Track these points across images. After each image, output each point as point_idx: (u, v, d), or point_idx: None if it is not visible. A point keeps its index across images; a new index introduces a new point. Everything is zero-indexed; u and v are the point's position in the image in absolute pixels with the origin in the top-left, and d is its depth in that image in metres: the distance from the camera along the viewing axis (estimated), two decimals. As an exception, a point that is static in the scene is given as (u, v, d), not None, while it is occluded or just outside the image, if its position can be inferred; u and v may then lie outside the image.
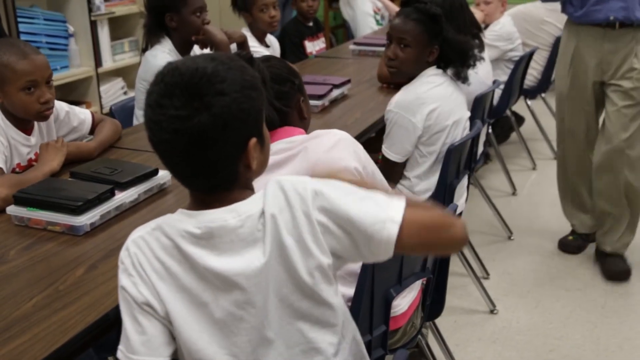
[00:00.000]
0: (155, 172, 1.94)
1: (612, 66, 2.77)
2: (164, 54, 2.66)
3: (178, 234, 1.16)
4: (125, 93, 4.82)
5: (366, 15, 4.95)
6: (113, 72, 4.74)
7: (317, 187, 1.18)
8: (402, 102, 2.36)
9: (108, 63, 4.61)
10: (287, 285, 1.17)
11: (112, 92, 4.70)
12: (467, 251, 2.95)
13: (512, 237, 3.42)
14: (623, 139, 2.81)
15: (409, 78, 2.44)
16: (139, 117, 2.76)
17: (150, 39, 2.75)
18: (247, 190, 1.21)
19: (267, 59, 1.79)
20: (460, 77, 2.43)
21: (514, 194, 3.97)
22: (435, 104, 2.35)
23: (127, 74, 4.83)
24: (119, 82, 4.78)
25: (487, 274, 3.06)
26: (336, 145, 1.74)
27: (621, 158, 2.84)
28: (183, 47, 2.73)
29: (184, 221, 1.17)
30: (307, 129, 1.84)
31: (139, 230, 1.21)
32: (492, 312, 2.79)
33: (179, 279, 1.16)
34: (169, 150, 1.14)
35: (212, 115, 1.09)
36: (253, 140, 1.16)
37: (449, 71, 2.42)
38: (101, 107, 4.41)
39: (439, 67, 2.42)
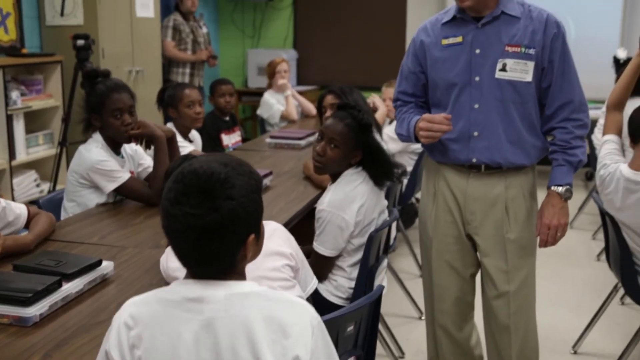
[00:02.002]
0: (99, 263, 2.00)
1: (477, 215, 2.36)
2: (97, 149, 2.74)
3: None
4: (38, 185, 4.78)
5: (278, 112, 5.19)
6: (27, 165, 4.71)
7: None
8: (334, 201, 2.52)
9: (22, 155, 4.60)
10: None
11: (25, 185, 4.66)
12: (383, 331, 3.09)
13: (422, 317, 3.60)
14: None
15: (332, 175, 2.64)
16: (67, 209, 2.79)
17: (85, 134, 2.83)
18: (241, 277, 1.36)
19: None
20: (379, 184, 2.63)
21: (421, 275, 4.17)
22: (362, 199, 2.54)
23: (41, 166, 4.82)
24: (32, 175, 4.76)
25: (402, 353, 3.19)
26: (273, 234, 1.91)
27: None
28: (113, 143, 2.82)
29: None
30: None
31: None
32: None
33: None
34: (181, 240, 1.30)
35: (221, 215, 1.27)
36: (252, 236, 1.33)
37: (367, 172, 2.62)
38: (13, 199, 4.35)
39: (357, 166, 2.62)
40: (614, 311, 3.58)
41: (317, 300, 2.46)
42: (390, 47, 7.38)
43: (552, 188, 2.29)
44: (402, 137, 2.42)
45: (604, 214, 2.94)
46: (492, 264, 2.38)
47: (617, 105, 2.94)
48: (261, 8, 7.66)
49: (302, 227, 2.86)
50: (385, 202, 2.74)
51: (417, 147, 4.37)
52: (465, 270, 2.46)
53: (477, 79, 2.25)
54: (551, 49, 2.23)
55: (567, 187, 2.28)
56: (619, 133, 2.93)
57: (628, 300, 3.65)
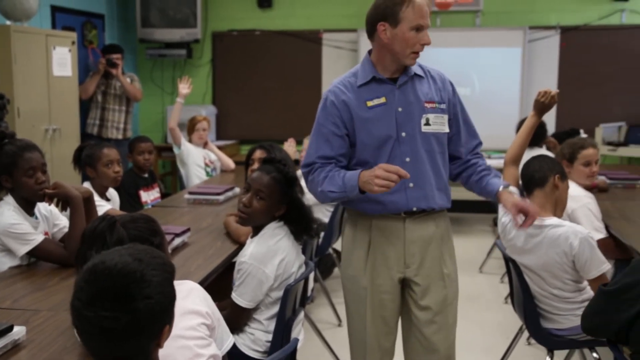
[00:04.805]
0: (10, 329, 1.93)
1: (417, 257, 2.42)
2: (9, 211, 2.66)
3: None
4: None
5: (197, 167, 5.18)
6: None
7: None
8: (256, 254, 2.54)
9: None
10: None
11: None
12: (303, 382, 3.10)
13: (342, 366, 3.62)
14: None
15: (255, 227, 2.66)
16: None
17: None
18: None
19: (135, 219, 1.91)
20: (299, 239, 2.68)
21: (339, 325, 4.20)
22: (284, 254, 2.57)
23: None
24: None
25: (323, 402, 3.21)
26: (190, 293, 1.90)
27: None
28: (26, 203, 2.75)
29: None
30: None
31: None
32: None
33: None
34: (94, 341, 1.27)
35: (137, 318, 1.25)
36: (167, 327, 1.33)
37: (288, 227, 2.66)
38: None
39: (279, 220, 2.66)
40: (522, 352, 3.69)
41: (235, 355, 2.44)
42: (306, 103, 7.51)
43: (502, 188, 2.42)
44: (333, 194, 2.33)
45: (507, 259, 3.06)
46: (432, 301, 2.42)
47: (513, 161, 3.15)
48: (180, 65, 7.70)
49: (221, 281, 2.86)
50: (303, 257, 2.77)
51: (333, 199, 4.44)
52: (394, 319, 2.49)
53: (403, 134, 2.36)
54: (454, 103, 2.47)
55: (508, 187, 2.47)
56: (517, 185, 3.09)
57: (534, 340, 3.78)
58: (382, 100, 2.35)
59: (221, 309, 2.63)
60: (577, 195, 3.41)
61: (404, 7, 2.27)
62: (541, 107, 3.09)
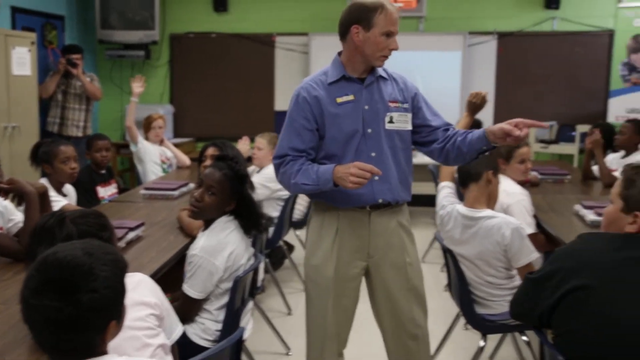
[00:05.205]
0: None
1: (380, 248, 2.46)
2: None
3: None
4: None
5: (154, 164, 5.10)
6: None
7: None
8: (206, 247, 2.51)
9: None
10: None
11: None
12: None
13: (289, 353, 3.60)
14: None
15: (206, 221, 2.62)
16: None
17: None
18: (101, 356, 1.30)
19: (84, 215, 1.86)
20: (248, 232, 2.66)
21: (289, 313, 4.19)
22: (233, 246, 2.55)
23: None
24: None
25: (273, 387, 3.19)
26: (138, 285, 1.86)
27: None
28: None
29: None
30: None
31: None
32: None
33: None
34: (39, 329, 1.24)
35: (80, 310, 1.21)
36: (113, 323, 1.29)
37: (238, 222, 2.63)
38: None
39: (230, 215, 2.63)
40: (459, 336, 3.73)
41: (186, 344, 2.41)
42: (260, 102, 7.50)
43: (485, 128, 2.38)
44: (307, 186, 2.33)
45: (444, 249, 3.09)
46: (397, 288, 2.47)
47: None
48: (139, 66, 7.56)
49: (174, 273, 2.82)
50: (252, 250, 2.75)
51: (284, 193, 4.41)
52: (353, 308, 2.52)
53: (369, 130, 2.39)
54: (417, 100, 2.52)
55: None
56: (453, 180, 3.13)
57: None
58: (351, 97, 2.39)
59: (174, 300, 2.61)
60: (513, 192, 3.46)
61: (377, 14, 2.32)
62: (473, 107, 3.14)
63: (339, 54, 2.47)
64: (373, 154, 2.39)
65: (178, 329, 2.01)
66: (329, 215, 2.44)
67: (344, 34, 2.40)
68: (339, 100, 2.39)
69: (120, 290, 1.31)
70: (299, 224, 4.93)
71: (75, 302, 1.21)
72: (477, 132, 2.41)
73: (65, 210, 1.99)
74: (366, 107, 2.40)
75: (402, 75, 2.55)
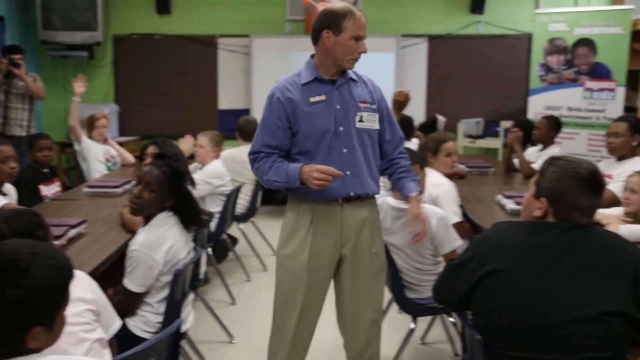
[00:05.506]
0: None
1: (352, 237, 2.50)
2: None
3: None
4: None
5: (98, 162, 4.97)
6: None
7: None
8: (146, 242, 2.47)
9: None
10: None
11: None
12: (196, 358, 3.04)
13: (233, 341, 3.59)
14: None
15: (145, 217, 2.58)
16: None
17: None
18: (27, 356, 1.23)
19: (18, 214, 1.80)
20: (188, 228, 2.63)
21: (233, 303, 4.17)
22: (172, 241, 2.51)
23: None
24: None
25: (216, 375, 3.17)
26: (75, 282, 1.80)
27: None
28: None
29: None
30: None
31: None
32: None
33: None
34: None
35: (3, 302, 1.16)
36: (37, 328, 1.21)
37: (177, 217, 2.60)
38: None
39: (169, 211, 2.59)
40: (393, 319, 3.79)
41: (127, 337, 2.37)
42: (204, 102, 7.41)
43: (414, 194, 2.59)
44: (277, 183, 2.40)
45: (377, 240, 3.13)
46: (363, 275, 2.52)
47: None
48: (82, 66, 7.36)
49: (117, 268, 2.76)
50: (192, 244, 2.72)
51: (226, 189, 4.39)
52: (324, 294, 2.55)
53: (341, 129, 2.45)
54: (382, 104, 2.60)
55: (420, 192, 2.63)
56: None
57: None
58: (323, 97, 2.44)
59: (116, 294, 2.57)
60: (441, 184, 3.53)
61: (346, 19, 2.39)
62: (398, 105, 3.20)
63: (312, 56, 2.52)
64: (345, 151, 2.45)
65: (116, 323, 1.98)
66: (304, 208, 2.49)
67: (315, 38, 2.46)
68: (312, 99, 2.44)
69: (54, 299, 1.23)
70: (241, 218, 4.90)
71: (0, 293, 1.16)
72: (405, 188, 2.60)
73: (3, 209, 1.92)
74: (338, 106, 2.45)
75: (370, 78, 2.64)
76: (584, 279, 1.72)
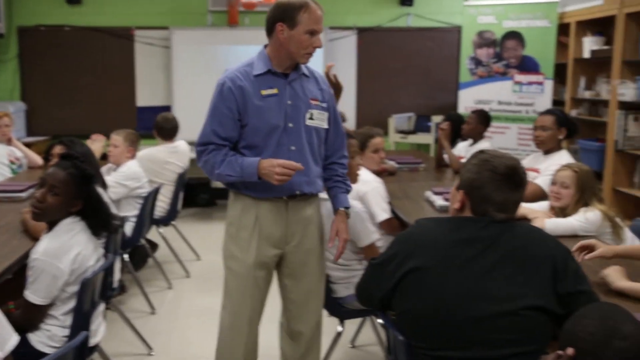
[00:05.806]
0: None
1: (297, 234, 2.56)
2: None
3: None
4: None
5: (1, 165, 4.76)
6: None
7: None
8: (49, 249, 2.37)
9: None
10: None
11: None
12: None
13: (152, 353, 3.51)
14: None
15: (49, 223, 2.47)
16: None
17: None
18: None
19: None
20: (97, 233, 2.54)
21: (152, 313, 4.08)
22: (79, 248, 2.42)
23: None
24: None
25: (134, 390, 3.09)
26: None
27: None
28: None
29: None
30: None
31: None
32: None
33: None
34: None
35: None
36: None
37: (85, 222, 2.51)
38: None
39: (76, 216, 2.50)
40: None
41: (29, 353, 2.28)
42: (120, 98, 7.22)
43: (342, 209, 2.60)
44: (230, 177, 2.41)
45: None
46: (309, 272, 2.60)
47: None
48: (-16, 61, 7.05)
49: (19, 279, 2.64)
50: (102, 250, 2.64)
51: (143, 191, 4.28)
52: (266, 293, 2.61)
53: (290, 125, 2.47)
54: (331, 103, 2.63)
55: (349, 208, 2.63)
56: None
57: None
58: (275, 91, 2.45)
59: (17, 307, 2.46)
60: (368, 181, 3.56)
61: (301, 12, 2.38)
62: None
63: (265, 46, 2.51)
64: (293, 148, 2.47)
65: (12, 340, 1.89)
66: (248, 205, 2.52)
67: (269, 30, 2.45)
68: (264, 92, 2.44)
69: None
70: (161, 221, 4.81)
71: None
72: (336, 200, 2.62)
73: None
74: (289, 102, 2.46)
75: (322, 75, 2.65)
76: (504, 274, 1.77)
